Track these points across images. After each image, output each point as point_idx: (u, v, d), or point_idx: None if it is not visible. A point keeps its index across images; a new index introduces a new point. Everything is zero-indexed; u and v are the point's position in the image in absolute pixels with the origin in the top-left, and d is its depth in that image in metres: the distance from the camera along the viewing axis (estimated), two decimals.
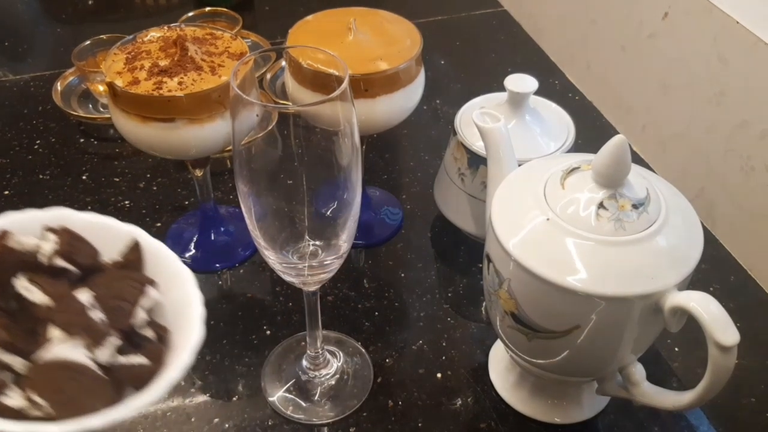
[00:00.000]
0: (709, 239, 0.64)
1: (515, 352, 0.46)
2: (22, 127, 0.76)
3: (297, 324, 0.57)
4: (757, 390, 0.52)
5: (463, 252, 0.63)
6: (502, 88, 0.57)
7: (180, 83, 0.48)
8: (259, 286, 0.60)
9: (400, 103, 0.54)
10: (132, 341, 0.34)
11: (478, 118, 0.49)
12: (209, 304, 0.58)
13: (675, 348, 0.55)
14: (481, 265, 0.49)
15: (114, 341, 0.32)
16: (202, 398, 0.52)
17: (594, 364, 0.44)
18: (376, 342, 0.56)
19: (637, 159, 0.74)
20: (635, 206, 0.40)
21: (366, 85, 0.51)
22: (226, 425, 0.50)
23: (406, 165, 0.73)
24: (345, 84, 0.37)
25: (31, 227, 0.36)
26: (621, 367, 0.44)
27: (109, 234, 0.38)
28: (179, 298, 0.36)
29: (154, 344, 0.34)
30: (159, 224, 0.65)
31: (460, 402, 0.51)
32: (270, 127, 0.39)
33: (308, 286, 0.46)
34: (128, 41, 0.52)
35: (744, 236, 0.62)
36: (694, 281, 0.41)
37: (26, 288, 0.33)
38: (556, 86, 0.85)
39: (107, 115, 0.74)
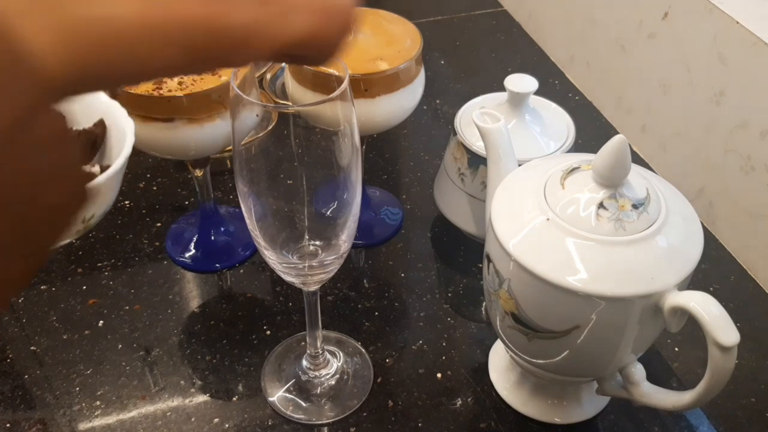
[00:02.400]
0: (709, 239, 0.64)
1: (515, 352, 0.46)
2: None
3: (297, 324, 0.57)
4: (757, 390, 0.52)
5: (463, 252, 0.63)
6: (502, 88, 0.57)
7: (180, 83, 0.48)
8: (259, 286, 0.60)
9: (400, 103, 0.54)
10: None
11: (478, 118, 0.49)
12: (209, 304, 0.59)
13: (675, 348, 0.55)
14: (481, 265, 0.49)
15: None
16: (202, 398, 0.52)
17: (594, 364, 0.44)
18: (376, 342, 0.56)
19: (637, 159, 0.74)
20: (635, 206, 0.40)
21: (366, 85, 0.51)
22: (226, 425, 0.50)
23: (406, 165, 0.73)
24: (345, 84, 0.37)
25: None
26: (621, 367, 0.44)
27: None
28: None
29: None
30: (159, 224, 0.65)
31: (460, 402, 0.51)
32: (270, 127, 0.39)
33: (308, 286, 0.46)
34: None
35: (744, 236, 0.62)
36: (694, 281, 0.41)
37: None
38: (556, 86, 0.85)
39: None
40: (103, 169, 0.44)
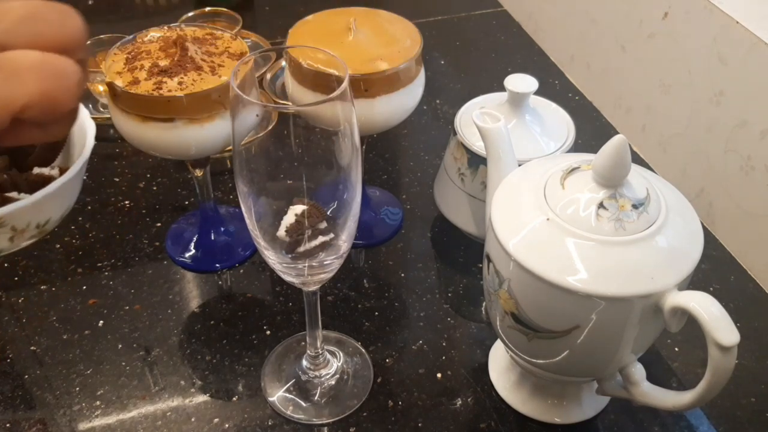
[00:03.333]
0: (709, 239, 0.64)
1: (515, 352, 0.46)
2: None
3: (297, 324, 0.57)
4: (757, 390, 0.52)
5: (463, 252, 0.63)
6: (502, 88, 0.57)
7: (180, 83, 0.48)
8: (259, 286, 0.60)
9: (400, 103, 0.54)
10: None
11: (478, 118, 0.49)
12: (209, 304, 0.59)
13: (675, 348, 0.55)
14: (481, 265, 0.49)
15: None
16: (202, 398, 0.52)
17: (594, 364, 0.44)
18: (376, 342, 0.56)
19: (637, 159, 0.74)
20: (635, 206, 0.40)
21: (366, 85, 0.51)
22: (226, 425, 0.50)
23: (406, 165, 0.73)
24: (345, 84, 0.37)
25: None
26: (621, 367, 0.44)
27: None
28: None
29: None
30: (159, 224, 0.65)
31: (460, 402, 0.51)
32: (270, 127, 0.39)
33: (308, 286, 0.46)
34: (128, 41, 0.52)
35: (744, 236, 0.62)
36: (694, 281, 0.41)
37: None
38: (556, 86, 0.85)
39: (107, 115, 0.74)
40: (63, 171, 0.43)
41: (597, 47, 0.80)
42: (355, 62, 0.50)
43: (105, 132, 0.76)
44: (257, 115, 0.38)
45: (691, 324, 0.39)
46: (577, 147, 0.58)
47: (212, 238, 0.63)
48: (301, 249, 0.43)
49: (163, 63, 0.49)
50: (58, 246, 0.63)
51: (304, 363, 0.53)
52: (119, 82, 0.48)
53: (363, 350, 0.55)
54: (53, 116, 0.25)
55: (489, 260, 0.44)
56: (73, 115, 0.27)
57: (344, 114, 0.38)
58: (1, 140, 0.27)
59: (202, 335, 0.56)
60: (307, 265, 0.44)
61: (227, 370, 0.53)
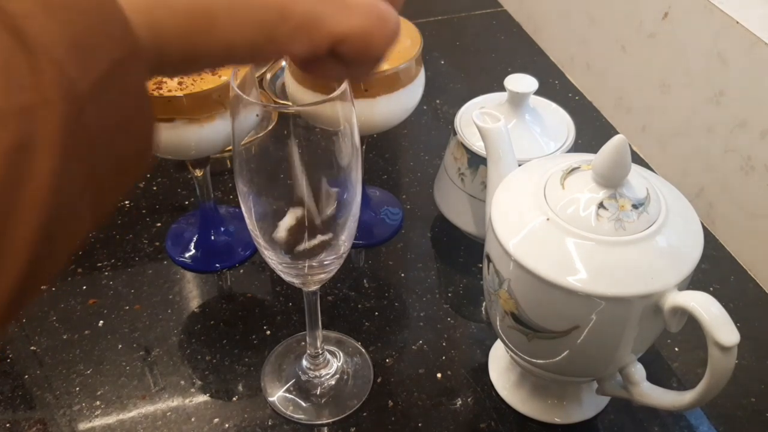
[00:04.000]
0: (709, 239, 0.64)
1: (515, 352, 0.46)
2: None
3: (297, 324, 0.57)
4: (757, 390, 0.52)
5: (463, 252, 0.63)
6: (502, 88, 0.57)
7: (180, 83, 0.48)
8: (259, 286, 0.60)
9: (400, 103, 0.54)
10: None
11: (478, 118, 0.49)
12: (209, 304, 0.58)
13: (675, 348, 0.55)
14: (481, 265, 0.49)
15: None
16: (202, 398, 0.52)
17: (594, 364, 0.44)
18: (376, 342, 0.56)
19: (637, 159, 0.74)
20: (635, 206, 0.40)
21: (366, 85, 0.51)
22: (226, 425, 0.50)
23: (406, 165, 0.73)
24: (345, 84, 0.37)
25: None
26: (621, 367, 0.44)
27: None
28: None
29: None
30: (159, 224, 0.65)
31: (460, 402, 0.51)
32: (270, 127, 0.39)
33: (308, 286, 0.46)
34: None
35: (744, 236, 0.62)
36: (694, 281, 0.41)
37: None
38: (556, 86, 0.85)
39: None
40: None
41: (597, 47, 0.80)
42: None
43: None
44: (257, 115, 0.38)
45: (691, 324, 0.39)
46: (577, 147, 0.58)
47: (212, 238, 0.63)
48: (301, 249, 0.43)
49: None
50: None
51: (304, 363, 0.53)
52: None
53: (363, 350, 0.55)
54: (364, 56, 0.27)
55: (489, 260, 0.44)
56: (378, 62, 0.29)
57: (344, 114, 0.38)
58: (308, 67, 0.28)
59: (202, 335, 0.56)
60: (307, 265, 0.43)
61: (227, 370, 0.53)
